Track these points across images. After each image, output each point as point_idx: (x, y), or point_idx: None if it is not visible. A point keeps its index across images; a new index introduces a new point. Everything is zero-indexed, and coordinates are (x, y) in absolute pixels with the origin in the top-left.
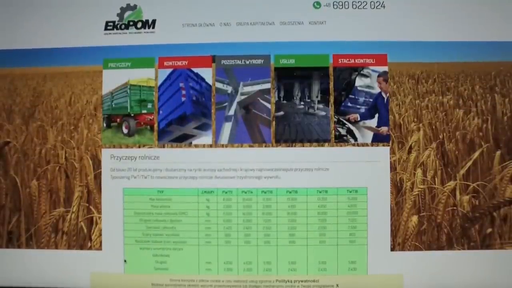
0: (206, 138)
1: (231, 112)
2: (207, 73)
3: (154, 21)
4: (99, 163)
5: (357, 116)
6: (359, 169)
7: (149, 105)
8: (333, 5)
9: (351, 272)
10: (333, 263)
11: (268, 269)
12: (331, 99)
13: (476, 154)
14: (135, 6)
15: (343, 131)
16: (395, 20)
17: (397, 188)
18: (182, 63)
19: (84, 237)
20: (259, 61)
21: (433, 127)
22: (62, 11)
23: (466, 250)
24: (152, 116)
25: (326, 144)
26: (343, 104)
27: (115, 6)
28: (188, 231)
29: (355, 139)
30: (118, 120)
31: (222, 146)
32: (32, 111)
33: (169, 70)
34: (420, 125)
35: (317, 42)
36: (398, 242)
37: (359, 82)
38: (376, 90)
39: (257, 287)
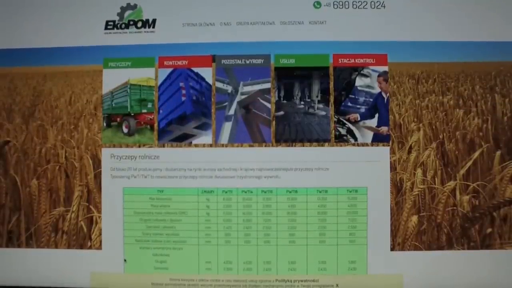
0: (206, 137)
1: (231, 111)
2: (207, 73)
3: (154, 21)
4: (99, 163)
5: (357, 116)
6: (359, 169)
7: (149, 105)
8: (333, 5)
9: (351, 272)
10: (333, 263)
11: (268, 269)
12: (331, 99)
13: (476, 154)
14: (135, 6)
15: (343, 131)
16: (395, 20)
17: (397, 188)
18: (182, 62)
19: (84, 236)
20: (259, 61)
21: (433, 127)
22: (62, 10)
23: (466, 250)
24: (152, 116)
25: (326, 144)
26: (343, 104)
27: (115, 6)
28: (188, 231)
29: (355, 139)
30: (118, 119)
31: (222, 145)
32: (32, 110)
33: (169, 70)
34: (420, 125)
35: (317, 42)
36: (398, 242)
37: (359, 82)
38: (376, 90)
39: (257, 286)
